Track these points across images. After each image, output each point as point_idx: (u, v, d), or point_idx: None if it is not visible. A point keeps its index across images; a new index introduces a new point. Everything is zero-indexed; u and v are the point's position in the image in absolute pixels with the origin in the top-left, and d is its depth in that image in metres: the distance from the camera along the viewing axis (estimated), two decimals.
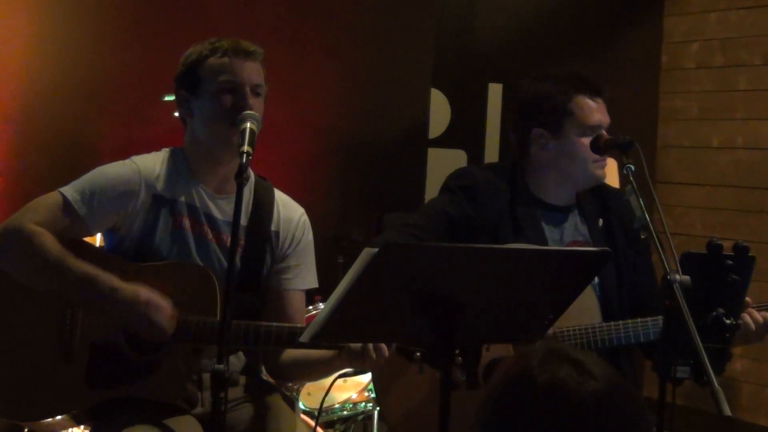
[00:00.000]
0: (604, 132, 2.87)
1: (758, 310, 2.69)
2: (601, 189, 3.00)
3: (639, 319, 2.78)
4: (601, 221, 2.94)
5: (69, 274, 2.56)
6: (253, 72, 2.69)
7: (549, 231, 2.91)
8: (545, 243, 2.87)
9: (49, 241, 2.58)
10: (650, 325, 2.76)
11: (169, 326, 2.55)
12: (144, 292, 2.54)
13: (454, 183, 2.94)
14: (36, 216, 2.62)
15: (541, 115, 2.90)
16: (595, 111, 2.88)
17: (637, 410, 1.41)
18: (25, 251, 2.59)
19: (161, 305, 2.54)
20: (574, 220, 2.96)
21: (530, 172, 2.95)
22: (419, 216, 2.95)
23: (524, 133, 2.95)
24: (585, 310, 2.78)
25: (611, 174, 3.22)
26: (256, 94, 2.68)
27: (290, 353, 2.77)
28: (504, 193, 2.90)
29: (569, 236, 2.94)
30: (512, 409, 1.40)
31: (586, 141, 2.87)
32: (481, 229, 2.84)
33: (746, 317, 2.63)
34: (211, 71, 2.68)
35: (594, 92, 2.89)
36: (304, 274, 2.83)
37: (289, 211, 2.83)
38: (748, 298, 2.67)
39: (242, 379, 2.79)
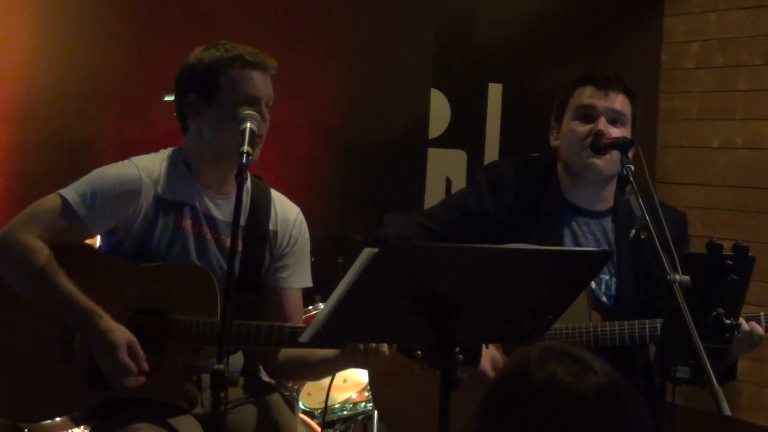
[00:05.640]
0: (602, 128, 2.85)
1: (746, 320, 2.67)
2: (650, 202, 2.95)
3: (626, 322, 2.74)
4: (633, 232, 2.87)
5: (52, 296, 2.58)
6: (269, 86, 2.73)
7: (570, 235, 2.89)
8: (560, 245, 2.82)
9: (44, 258, 2.58)
10: (637, 328, 2.73)
11: (130, 380, 2.55)
12: (116, 338, 2.54)
13: (483, 176, 2.95)
14: (37, 226, 2.61)
15: (553, 110, 2.98)
16: (588, 96, 2.89)
17: (637, 406, 1.40)
18: (19, 265, 2.60)
19: (121, 363, 2.53)
20: (605, 227, 2.93)
21: (560, 173, 2.95)
22: (439, 206, 3.00)
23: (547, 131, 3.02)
24: (573, 311, 2.76)
25: None
26: (266, 105, 2.72)
27: (288, 351, 2.77)
28: (533, 191, 2.89)
29: (593, 243, 2.89)
30: (509, 406, 1.39)
31: (579, 125, 2.87)
32: (498, 226, 2.83)
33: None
34: (231, 81, 2.68)
35: (596, 84, 2.90)
36: (301, 273, 2.85)
37: (285, 210, 2.85)
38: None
39: (242, 380, 2.79)
